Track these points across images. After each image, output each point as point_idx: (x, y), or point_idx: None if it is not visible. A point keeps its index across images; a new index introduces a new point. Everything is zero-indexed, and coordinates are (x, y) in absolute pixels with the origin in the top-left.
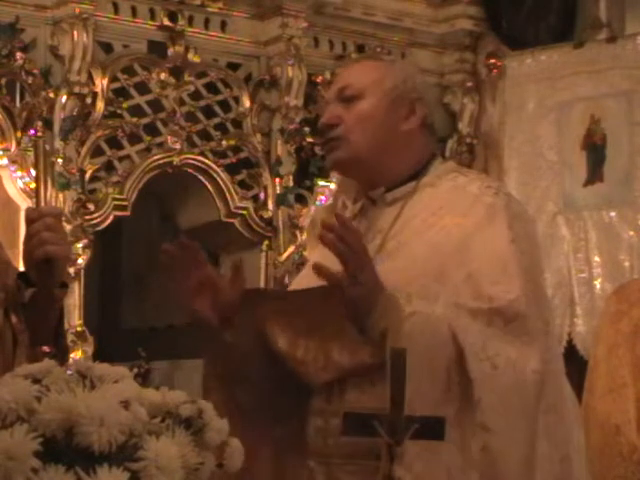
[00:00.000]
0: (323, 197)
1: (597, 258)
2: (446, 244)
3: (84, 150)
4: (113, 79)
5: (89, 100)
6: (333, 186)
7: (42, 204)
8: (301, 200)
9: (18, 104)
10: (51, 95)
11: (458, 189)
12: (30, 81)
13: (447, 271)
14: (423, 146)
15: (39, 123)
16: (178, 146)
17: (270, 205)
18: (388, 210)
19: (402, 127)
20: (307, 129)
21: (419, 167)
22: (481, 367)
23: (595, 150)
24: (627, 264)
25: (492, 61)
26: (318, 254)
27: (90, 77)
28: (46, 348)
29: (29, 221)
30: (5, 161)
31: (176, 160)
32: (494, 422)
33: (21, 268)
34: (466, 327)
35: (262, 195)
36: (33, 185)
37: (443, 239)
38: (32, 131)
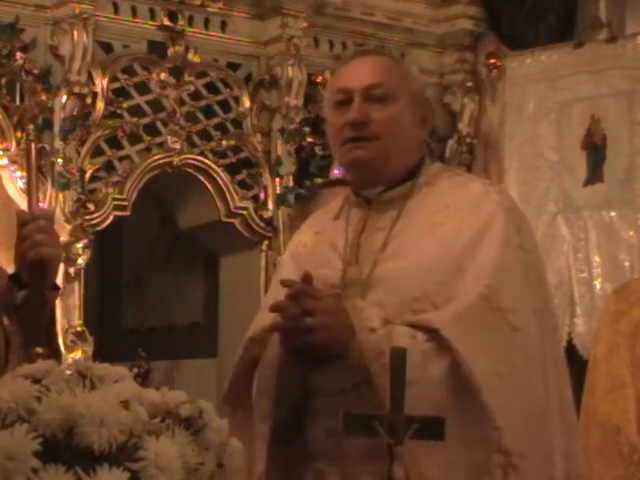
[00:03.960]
0: None
1: (597, 258)
2: (457, 241)
3: (84, 150)
4: (113, 79)
5: (89, 100)
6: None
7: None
8: (301, 200)
9: (18, 104)
10: (51, 95)
11: (460, 187)
12: (30, 81)
13: (462, 267)
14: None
15: (30, 126)
16: (178, 146)
17: (270, 205)
18: (385, 209)
19: (419, 134)
20: (307, 129)
21: (413, 167)
22: (498, 394)
23: (595, 150)
24: (627, 264)
25: (492, 61)
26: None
27: (90, 77)
28: (39, 350)
29: (21, 223)
30: (5, 161)
31: (176, 160)
32: (517, 445)
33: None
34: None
35: (262, 195)
36: None
37: (454, 237)
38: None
